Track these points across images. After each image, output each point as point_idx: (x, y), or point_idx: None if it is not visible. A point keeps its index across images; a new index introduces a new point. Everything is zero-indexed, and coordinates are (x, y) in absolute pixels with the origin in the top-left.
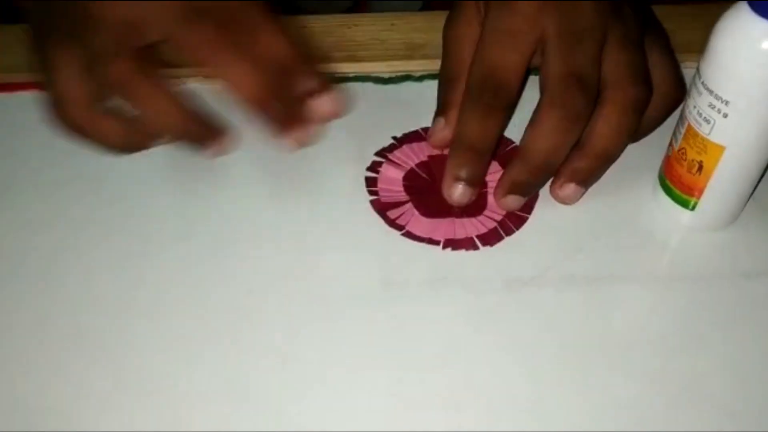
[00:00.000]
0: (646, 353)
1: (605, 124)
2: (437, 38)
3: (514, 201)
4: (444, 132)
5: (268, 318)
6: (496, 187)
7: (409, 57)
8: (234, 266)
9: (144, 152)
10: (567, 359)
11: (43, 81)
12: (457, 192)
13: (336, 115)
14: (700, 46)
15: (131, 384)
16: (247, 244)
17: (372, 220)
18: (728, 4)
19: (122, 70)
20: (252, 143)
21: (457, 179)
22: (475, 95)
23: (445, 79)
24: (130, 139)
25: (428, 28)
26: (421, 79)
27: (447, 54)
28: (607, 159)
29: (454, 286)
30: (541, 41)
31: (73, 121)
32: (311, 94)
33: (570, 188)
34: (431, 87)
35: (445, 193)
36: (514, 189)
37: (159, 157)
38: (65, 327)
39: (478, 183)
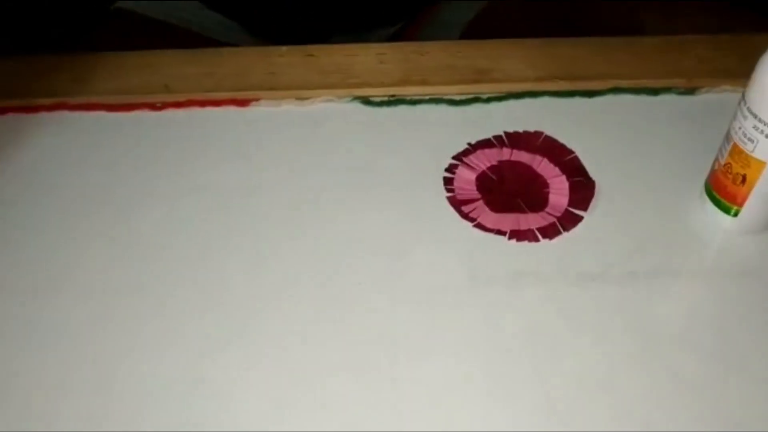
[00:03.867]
0: (698, 337)
1: None
2: (502, 64)
3: None
4: None
5: (373, 305)
6: None
7: (476, 81)
8: (343, 262)
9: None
10: (634, 343)
11: None
12: None
13: None
14: (734, 72)
15: (212, 372)
16: (348, 240)
17: (449, 213)
18: (761, 36)
19: None
20: (348, 156)
21: None
22: None
23: None
24: None
25: (494, 54)
26: (488, 100)
27: None
28: None
29: (532, 281)
30: None
31: None
32: None
33: None
34: (498, 108)
35: None
36: None
37: (268, 166)
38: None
39: None
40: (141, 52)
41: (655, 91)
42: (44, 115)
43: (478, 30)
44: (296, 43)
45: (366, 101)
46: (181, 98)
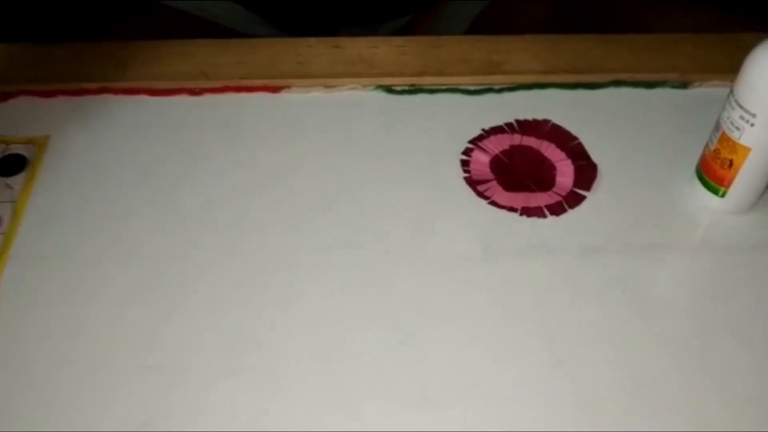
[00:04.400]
0: (688, 303)
1: None
2: (512, 57)
3: None
4: None
5: (398, 272)
6: None
7: (489, 72)
8: (371, 234)
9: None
10: (630, 307)
11: None
12: None
13: None
14: (723, 68)
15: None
16: (374, 215)
17: (465, 192)
18: (748, 35)
19: None
20: (372, 140)
21: None
22: None
23: None
24: None
25: (506, 49)
26: (500, 91)
27: None
28: None
29: (540, 252)
30: None
31: None
32: None
33: None
34: (509, 97)
35: None
36: None
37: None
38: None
39: None
40: (179, 41)
41: (651, 85)
42: (90, 98)
43: (483, 24)
44: (312, 33)
45: (388, 90)
46: (218, 84)
